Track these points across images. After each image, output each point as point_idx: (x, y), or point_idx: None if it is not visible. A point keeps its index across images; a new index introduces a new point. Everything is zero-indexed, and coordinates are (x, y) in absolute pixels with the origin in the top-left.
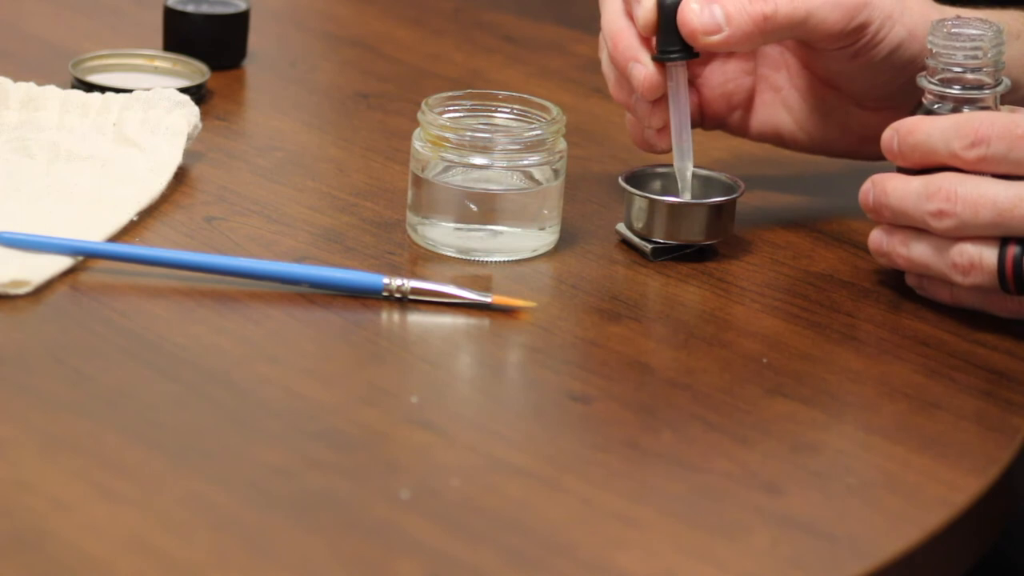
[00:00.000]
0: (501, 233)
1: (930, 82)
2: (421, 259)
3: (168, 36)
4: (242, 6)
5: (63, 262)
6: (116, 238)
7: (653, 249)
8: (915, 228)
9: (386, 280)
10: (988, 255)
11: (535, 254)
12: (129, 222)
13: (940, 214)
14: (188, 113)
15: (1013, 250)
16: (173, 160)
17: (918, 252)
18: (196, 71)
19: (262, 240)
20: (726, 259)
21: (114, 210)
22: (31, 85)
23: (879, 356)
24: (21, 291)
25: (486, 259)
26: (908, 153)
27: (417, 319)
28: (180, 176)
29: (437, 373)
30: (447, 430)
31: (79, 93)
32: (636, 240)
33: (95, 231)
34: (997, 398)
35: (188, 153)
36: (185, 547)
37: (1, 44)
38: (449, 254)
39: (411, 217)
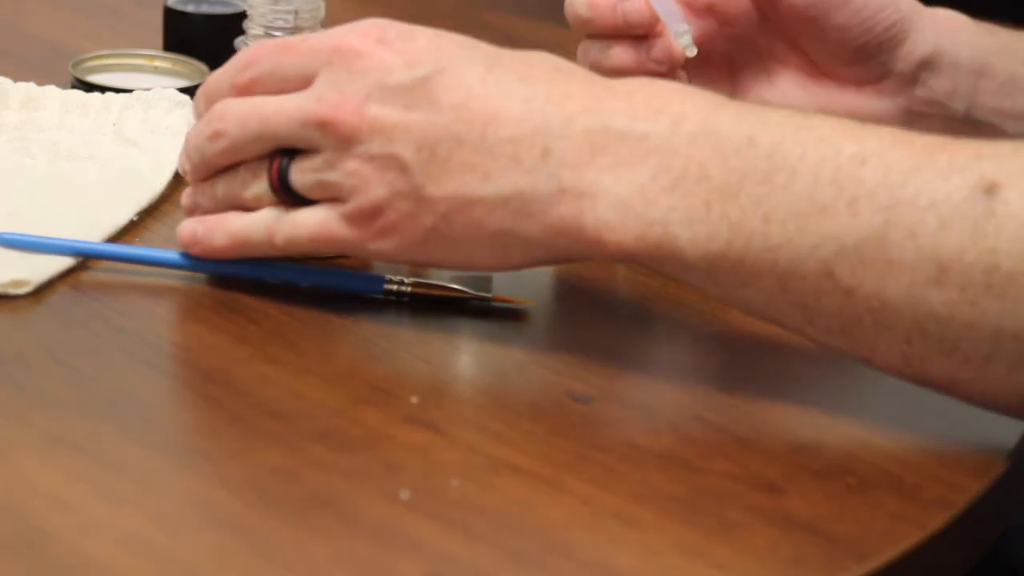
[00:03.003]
0: None
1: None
2: None
3: (168, 36)
4: (242, 6)
5: (63, 262)
6: (116, 238)
7: None
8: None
9: (386, 280)
10: (261, 172)
11: None
12: (129, 222)
13: (215, 135)
14: (188, 113)
15: (278, 161)
16: (173, 160)
17: (215, 194)
18: (196, 71)
19: None
20: None
21: (114, 210)
22: (31, 85)
23: None
24: (21, 291)
25: None
26: (199, 105)
27: (417, 319)
28: (180, 176)
29: (437, 373)
30: (447, 430)
31: (79, 93)
32: None
33: (95, 231)
34: None
35: None
36: (185, 547)
37: (1, 44)
38: None
39: None
